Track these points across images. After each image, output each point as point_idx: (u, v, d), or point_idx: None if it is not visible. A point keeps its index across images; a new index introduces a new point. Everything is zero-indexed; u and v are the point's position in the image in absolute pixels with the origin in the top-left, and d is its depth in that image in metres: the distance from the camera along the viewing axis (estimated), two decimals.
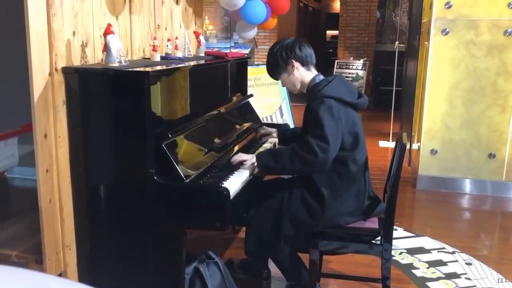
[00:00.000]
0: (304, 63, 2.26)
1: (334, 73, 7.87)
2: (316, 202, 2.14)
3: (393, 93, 6.10)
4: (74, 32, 2.00)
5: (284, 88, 4.54)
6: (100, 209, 2.04)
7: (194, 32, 3.14)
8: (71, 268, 2.07)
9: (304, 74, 2.27)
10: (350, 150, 2.13)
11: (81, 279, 2.11)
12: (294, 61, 2.24)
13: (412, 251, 3.06)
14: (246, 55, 3.38)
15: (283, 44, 2.27)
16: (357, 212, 2.18)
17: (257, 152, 2.42)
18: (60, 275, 2.02)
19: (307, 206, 2.16)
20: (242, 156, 2.28)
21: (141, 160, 1.91)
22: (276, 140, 2.89)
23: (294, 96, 5.72)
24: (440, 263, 2.92)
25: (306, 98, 2.25)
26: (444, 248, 3.12)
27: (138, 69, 1.95)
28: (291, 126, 4.14)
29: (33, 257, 1.96)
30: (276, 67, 2.29)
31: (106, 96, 1.96)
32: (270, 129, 2.80)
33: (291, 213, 2.17)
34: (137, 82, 1.89)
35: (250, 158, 2.25)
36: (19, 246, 2.02)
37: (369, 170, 2.27)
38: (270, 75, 2.38)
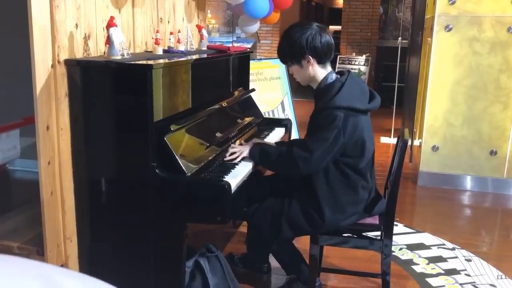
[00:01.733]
0: (321, 61, 2.11)
1: (337, 68, 7.85)
2: (317, 214, 2.11)
3: (395, 89, 6.09)
4: (76, 25, 2.00)
5: (286, 83, 4.55)
6: (102, 202, 2.05)
7: (197, 26, 3.13)
8: (72, 260, 2.08)
9: (317, 71, 2.13)
10: (356, 157, 2.07)
11: (82, 271, 2.12)
12: (311, 58, 2.08)
13: (412, 247, 3.07)
14: (248, 49, 3.38)
15: (305, 34, 2.06)
16: (358, 215, 2.17)
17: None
18: (61, 266, 2.03)
19: (307, 215, 2.12)
20: (236, 149, 2.27)
21: (142, 153, 1.91)
22: (280, 135, 2.90)
23: (296, 91, 5.71)
24: (440, 259, 2.92)
25: (315, 96, 2.16)
26: (444, 244, 3.12)
27: (140, 62, 1.94)
28: (293, 121, 4.14)
29: (34, 248, 1.97)
30: (290, 56, 2.14)
31: (108, 89, 1.96)
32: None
33: (290, 219, 2.14)
34: (139, 75, 1.89)
35: (244, 151, 2.25)
36: (21, 237, 2.03)
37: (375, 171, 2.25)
38: (279, 59, 2.22)
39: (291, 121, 3.20)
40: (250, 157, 2.23)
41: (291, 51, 2.12)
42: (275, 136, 2.86)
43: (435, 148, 4.24)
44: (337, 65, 8.49)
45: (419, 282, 2.66)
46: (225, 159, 2.24)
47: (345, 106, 2.00)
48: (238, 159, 2.24)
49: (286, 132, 3.04)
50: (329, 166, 2.07)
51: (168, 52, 2.42)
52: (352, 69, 8.31)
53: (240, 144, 2.37)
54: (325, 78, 2.13)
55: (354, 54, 9.04)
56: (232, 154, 2.26)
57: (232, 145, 2.33)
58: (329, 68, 2.17)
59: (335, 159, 2.06)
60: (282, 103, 4.58)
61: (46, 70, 1.85)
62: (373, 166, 2.21)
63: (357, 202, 2.14)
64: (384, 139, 5.88)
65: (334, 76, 2.14)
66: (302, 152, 2.04)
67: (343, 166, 2.08)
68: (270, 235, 2.18)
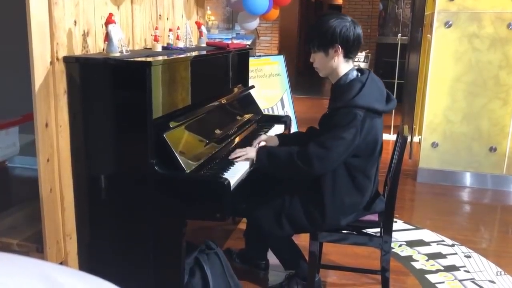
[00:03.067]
0: (348, 54, 2.07)
1: None
2: (318, 212, 2.10)
3: (395, 86, 6.09)
4: (75, 21, 2.00)
5: (286, 79, 4.55)
6: (101, 199, 2.05)
7: (196, 23, 3.12)
8: (71, 257, 2.09)
9: (340, 65, 2.09)
10: (365, 158, 2.06)
11: (82, 268, 2.12)
12: (339, 48, 2.04)
13: (411, 244, 3.07)
14: (247, 46, 3.38)
15: (341, 23, 2.03)
16: (358, 213, 2.16)
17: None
18: (60, 263, 2.03)
19: (308, 214, 2.12)
20: (242, 151, 2.22)
21: (141, 150, 1.91)
22: (279, 132, 2.90)
23: (295, 88, 5.71)
24: (439, 255, 2.93)
25: (333, 91, 2.13)
26: (443, 240, 3.13)
27: (139, 59, 1.94)
28: (292, 117, 4.13)
29: (33, 245, 1.97)
30: (320, 41, 2.08)
31: (107, 86, 1.96)
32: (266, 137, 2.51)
33: (291, 216, 2.13)
34: (138, 72, 1.88)
35: (250, 152, 2.19)
36: (20, 234, 2.03)
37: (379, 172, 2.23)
38: (308, 43, 2.16)
39: (290, 118, 3.20)
40: (257, 160, 2.16)
41: (322, 36, 2.06)
42: (274, 133, 2.85)
43: (434, 145, 4.24)
44: None
45: (419, 278, 2.66)
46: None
47: (366, 106, 1.98)
48: (242, 159, 2.19)
49: (285, 129, 3.04)
50: (337, 167, 2.05)
51: (167, 49, 2.42)
52: None
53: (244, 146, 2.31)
54: (346, 74, 2.09)
55: None
56: (236, 157, 2.21)
57: (238, 149, 2.26)
58: (351, 64, 2.12)
59: (345, 160, 2.04)
60: (281, 99, 4.58)
61: (45, 67, 1.85)
62: (378, 167, 2.19)
63: (359, 201, 2.13)
64: (383, 136, 5.87)
65: (355, 73, 2.10)
66: (319, 150, 1.99)
67: (351, 167, 2.06)
68: (269, 230, 2.18)
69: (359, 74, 2.11)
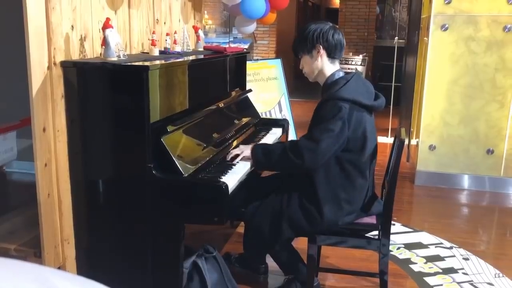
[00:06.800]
0: (331, 54, 2.17)
1: None
2: (316, 209, 2.11)
3: (392, 88, 6.10)
4: (72, 26, 2.00)
5: (283, 83, 4.55)
6: (99, 203, 2.05)
7: (193, 27, 3.13)
8: (69, 261, 2.08)
9: (326, 65, 2.18)
10: (356, 153, 2.08)
11: (80, 272, 2.12)
12: (321, 48, 2.15)
13: (410, 246, 3.07)
14: (245, 50, 3.38)
15: (319, 27, 2.17)
16: (356, 214, 2.17)
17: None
18: (58, 268, 2.03)
19: (306, 212, 2.13)
20: (237, 151, 2.28)
21: (139, 154, 1.91)
22: (277, 135, 2.90)
23: (293, 92, 5.72)
24: (437, 258, 2.93)
25: (322, 93, 2.21)
26: (441, 243, 3.13)
27: (137, 63, 1.94)
28: (290, 121, 4.14)
29: (31, 250, 1.97)
30: (302, 45, 2.20)
31: (104, 90, 1.96)
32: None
33: (289, 218, 2.14)
34: (135, 77, 1.89)
35: (245, 151, 2.25)
36: (18, 239, 2.03)
37: (374, 172, 2.25)
38: (293, 51, 2.29)
39: (288, 121, 3.20)
40: (253, 156, 2.21)
41: (303, 40, 2.19)
42: (272, 136, 2.86)
43: (432, 147, 4.25)
44: None
45: (417, 281, 2.66)
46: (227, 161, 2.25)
47: (350, 99, 2.04)
48: (239, 159, 2.24)
49: (283, 132, 3.05)
50: (329, 161, 2.08)
51: (165, 53, 2.42)
52: (349, 69, 8.32)
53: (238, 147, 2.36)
54: (333, 74, 2.18)
55: (351, 54, 9.05)
56: (233, 156, 2.26)
57: (232, 150, 2.31)
58: (337, 66, 2.22)
59: (336, 154, 2.07)
60: (279, 103, 4.58)
61: (42, 72, 1.85)
62: (372, 165, 2.21)
63: (354, 198, 2.14)
64: (381, 139, 5.89)
65: (341, 73, 2.19)
66: (308, 142, 2.05)
67: (343, 161, 2.09)
68: (270, 237, 2.19)
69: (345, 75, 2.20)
